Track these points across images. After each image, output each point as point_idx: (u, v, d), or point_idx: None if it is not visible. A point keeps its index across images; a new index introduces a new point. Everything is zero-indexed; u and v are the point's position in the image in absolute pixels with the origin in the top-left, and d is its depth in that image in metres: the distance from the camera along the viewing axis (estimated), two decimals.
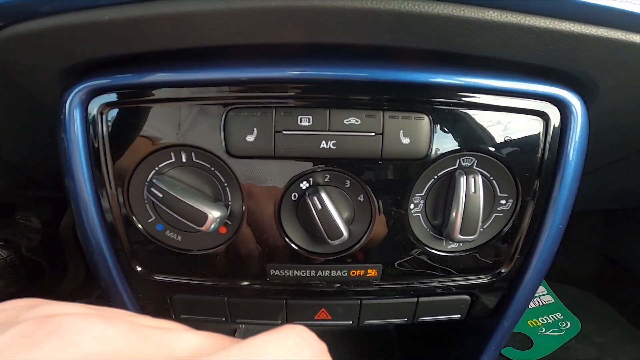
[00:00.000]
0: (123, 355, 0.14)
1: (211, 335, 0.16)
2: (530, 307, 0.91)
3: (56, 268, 0.80)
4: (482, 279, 0.39)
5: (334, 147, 0.31)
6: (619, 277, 0.89)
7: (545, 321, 0.87)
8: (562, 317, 0.88)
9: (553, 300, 0.92)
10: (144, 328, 0.15)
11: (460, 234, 0.33)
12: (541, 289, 0.95)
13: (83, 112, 0.31)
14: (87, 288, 0.82)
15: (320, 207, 0.32)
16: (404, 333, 0.67)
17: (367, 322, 0.41)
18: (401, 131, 0.32)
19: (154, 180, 0.32)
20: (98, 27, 0.26)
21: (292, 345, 0.15)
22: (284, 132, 0.31)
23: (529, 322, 0.87)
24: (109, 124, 0.32)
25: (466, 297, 0.40)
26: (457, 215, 0.33)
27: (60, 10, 0.26)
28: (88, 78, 0.31)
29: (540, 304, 0.91)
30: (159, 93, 0.31)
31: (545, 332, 0.84)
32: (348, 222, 0.35)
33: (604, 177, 0.53)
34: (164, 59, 0.30)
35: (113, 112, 0.32)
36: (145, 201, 0.34)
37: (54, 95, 0.32)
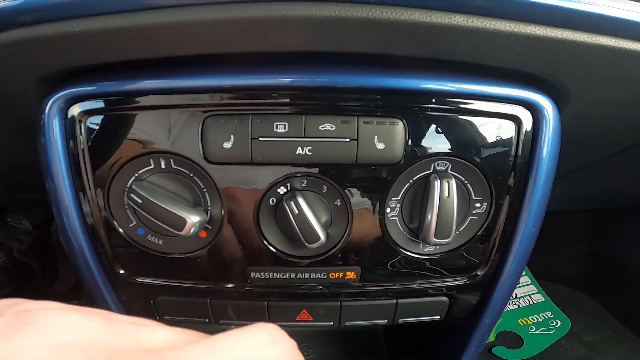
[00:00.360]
0: (95, 346, 0.14)
1: (184, 331, 0.17)
2: (520, 305, 0.92)
3: (47, 270, 0.81)
4: (459, 281, 0.39)
5: (310, 153, 0.32)
6: (608, 275, 0.90)
7: (536, 320, 0.88)
8: (552, 315, 0.89)
9: (543, 299, 0.93)
10: (119, 322, 0.16)
11: (435, 237, 0.34)
12: (531, 288, 0.96)
13: (62, 119, 0.32)
14: (78, 290, 0.83)
15: (297, 211, 0.33)
16: (390, 331, 0.68)
17: (348, 323, 0.42)
18: (376, 136, 0.32)
19: (133, 187, 0.33)
20: (70, 39, 0.27)
21: (261, 342, 0.16)
22: (260, 138, 0.32)
23: (519, 320, 0.88)
24: (88, 131, 0.32)
25: (444, 298, 0.41)
26: (432, 219, 0.34)
27: (34, 22, 0.27)
28: (66, 86, 0.31)
29: (531, 302, 0.92)
30: (136, 101, 0.32)
31: (535, 330, 0.85)
32: (326, 226, 0.35)
33: (588, 177, 0.54)
34: (142, 66, 0.31)
35: (91, 120, 0.32)
36: (126, 206, 0.34)
37: (34, 101, 0.33)
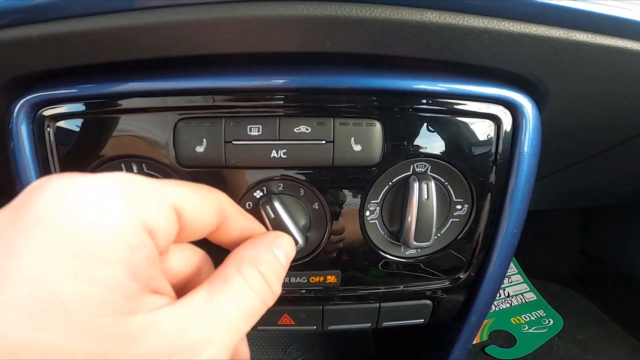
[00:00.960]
0: None
1: None
2: (513, 304, 0.92)
3: None
4: (442, 284, 0.39)
5: (285, 156, 0.31)
6: (599, 273, 0.90)
7: (528, 318, 0.88)
8: (544, 314, 0.88)
9: (535, 298, 0.92)
10: None
11: (415, 240, 0.34)
12: (524, 286, 0.95)
13: (29, 124, 0.31)
14: None
15: (273, 216, 0.32)
16: (379, 332, 0.68)
17: (331, 327, 0.41)
18: (352, 138, 0.32)
19: None
20: (33, 44, 0.26)
21: None
22: (233, 142, 0.31)
23: (512, 319, 0.88)
24: (56, 135, 0.32)
25: (428, 302, 0.40)
26: (411, 222, 0.33)
27: None
28: (34, 89, 0.31)
29: (523, 301, 0.92)
30: (105, 104, 0.31)
31: (528, 329, 0.85)
32: (305, 230, 0.35)
33: (575, 176, 0.54)
34: (111, 69, 0.30)
35: (59, 124, 0.32)
36: None
37: (1, 106, 0.32)
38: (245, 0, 0.25)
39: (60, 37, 0.27)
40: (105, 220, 0.17)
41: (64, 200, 0.17)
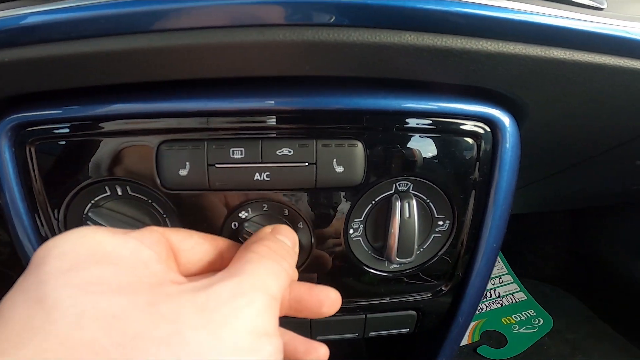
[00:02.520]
0: None
1: None
2: (503, 304, 0.93)
3: None
4: (426, 296, 0.40)
5: (268, 179, 0.32)
6: (587, 273, 0.92)
7: (519, 318, 0.89)
8: (534, 314, 0.90)
9: (525, 298, 0.94)
10: None
11: (398, 257, 0.34)
12: (514, 286, 0.97)
13: (11, 146, 0.31)
14: None
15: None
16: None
17: (319, 337, 0.42)
18: (334, 159, 0.32)
19: (89, 214, 0.32)
20: (11, 66, 0.26)
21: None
22: (217, 165, 0.31)
23: (502, 319, 0.89)
24: (38, 158, 0.32)
25: (412, 312, 0.41)
26: (394, 239, 0.34)
27: None
28: (13, 112, 0.31)
29: (513, 301, 0.93)
30: (88, 127, 0.31)
31: (518, 329, 0.86)
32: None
33: (560, 182, 0.54)
34: (91, 92, 0.30)
35: (41, 146, 0.32)
36: None
37: None
38: (221, 26, 0.25)
39: (38, 61, 0.27)
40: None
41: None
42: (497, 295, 0.95)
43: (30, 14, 0.25)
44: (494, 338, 0.85)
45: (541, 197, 0.65)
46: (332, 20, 0.25)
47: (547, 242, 0.96)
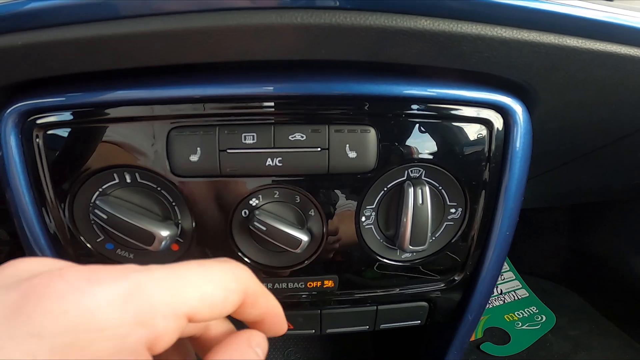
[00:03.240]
0: None
1: None
2: (506, 301, 0.93)
3: None
4: (438, 286, 0.39)
5: (280, 164, 0.31)
6: (588, 269, 0.92)
7: (521, 315, 0.89)
8: (537, 310, 0.90)
9: (527, 294, 0.94)
10: None
11: (411, 244, 0.34)
12: (516, 283, 0.97)
13: (18, 134, 0.31)
14: None
15: (264, 228, 0.32)
16: (376, 331, 0.68)
17: (329, 330, 0.41)
18: (347, 145, 0.32)
19: (97, 202, 0.32)
20: (20, 52, 0.26)
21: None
22: (228, 150, 0.31)
23: (505, 316, 0.89)
24: (46, 145, 0.31)
25: (424, 303, 0.40)
26: (406, 227, 0.33)
27: None
28: (21, 98, 0.30)
29: (516, 298, 0.93)
30: (96, 113, 0.30)
31: (521, 326, 0.86)
32: (303, 225, 0.34)
33: (564, 175, 0.55)
34: (100, 77, 0.30)
35: (49, 133, 0.31)
36: (92, 222, 0.33)
37: None
38: (238, 8, 0.25)
39: (47, 46, 0.26)
40: (107, 341, 0.16)
41: (65, 314, 0.15)
42: (500, 292, 0.95)
43: None
44: (497, 335, 0.84)
45: (543, 192, 0.66)
46: (352, 4, 0.24)
47: (548, 239, 0.96)
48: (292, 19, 0.25)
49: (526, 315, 0.89)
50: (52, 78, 0.30)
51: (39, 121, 0.31)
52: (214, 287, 0.19)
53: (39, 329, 0.15)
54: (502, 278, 0.98)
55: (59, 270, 0.17)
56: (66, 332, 0.15)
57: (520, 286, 0.96)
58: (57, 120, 0.31)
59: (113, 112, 0.31)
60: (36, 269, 0.18)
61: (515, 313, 0.89)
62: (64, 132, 0.31)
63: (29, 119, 0.31)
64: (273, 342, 0.72)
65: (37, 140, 0.31)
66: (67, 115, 0.31)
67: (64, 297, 0.16)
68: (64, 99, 0.30)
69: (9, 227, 0.80)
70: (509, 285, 0.96)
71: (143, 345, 0.16)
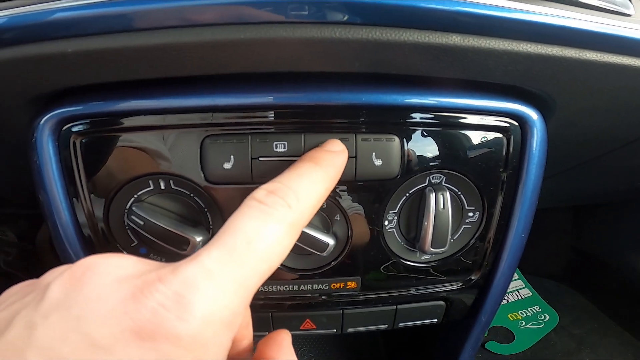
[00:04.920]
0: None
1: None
2: (509, 300, 0.95)
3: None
4: (455, 286, 0.41)
5: None
6: (591, 269, 0.94)
7: (525, 314, 0.91)
8: (540, 310, 0.92)
9: (531, 294, 0.96)
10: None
11: (432, 247, 0.35)
12: (519, 283, 0.99)
13: (55, 141, 0.32)
14: None
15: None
16: (388, 330, 0.70)
17: (350, 329, 0.43)
18: (373, 153, 0.33)
19: (133, 208, 0.33)
20: (64, 59, 0.27)
21: None
22: (260, 158, 0.32)
23: (509, 315, 0.91)
24: (82, 152, 0.32)
25: (441, 302, 0.42)
26: (428, 230, 0.35)
27: (22, 41, 0.26)
28: (58, 105, 0.31)
29: (519, 297, 0.95)
30: (132, 121, 0.32)
31: (525, 325, 0.88)
32: (329, 229, 0.36)
33: (570, 178, 0.56)
34: (137, 86, 0.31)
35: (85, 141, 0.32)
36: (127, 227, 0.35)
37: (22, 121, 0.32)
38: (280, 22, 0.26)
39: (92, 54, 0.27)
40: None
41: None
42: None
43: (96, 4, 0.25)
44: (501, 334, 0.86)
45: (548, 194, 0.67)
46: (386, 21, 0.26)
47: (551, 238, 0.98)
48: (331, 33, 0.26)
49: (530, 314, 0.90)
50: (89, 85, 0.31)
51: (75, 129, 0.32)
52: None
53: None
54: (510, 284, 0.99)
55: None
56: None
57: (524, 286, 0.98)
58: (96, 127, 0.32)
59: (151, 121, 0.32)
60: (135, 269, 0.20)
61: (519, 312, 0.91)
62: (100, 140, 0.32)
63: (66, 127, 0.32)
64: None
65: (75, 147, 0.32)
66: (103, 123, 0.32)
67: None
68: (101, 106, 0.31)
69: (17, 230, 0.81)
70: (513, 285, 0.98)
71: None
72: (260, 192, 0.23)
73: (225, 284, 0.18)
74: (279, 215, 0.22)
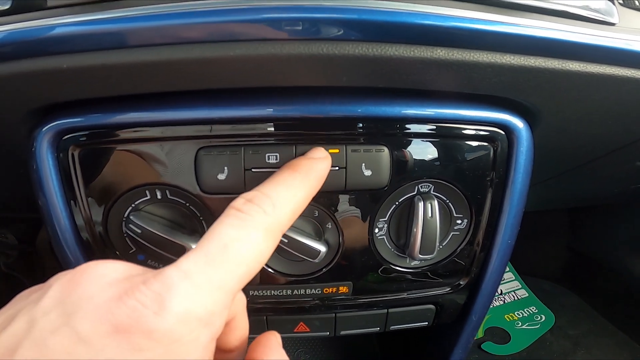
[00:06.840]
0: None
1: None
2: (506, 301, 0.96)
3: (35, 282, 0.81)
4: (444, 290, 0.42)
5: None
6: (586, 270, 0.94)
7: (521, 315, 0.91)
8: (536, 310, 0.92)
9: (527, 295, 0.96)
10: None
11: (420, 253, 0.37)
12: (515, 284, 0.99)
13: (54, 152, 0.33)
14: None
15: (286, 240, 0.35)
16: (382, 333, 0.71)
17: (343, 332, 0.44)
18: (363, 164, 0.34)
19: (131, 217, 0.34)
20: (59, 74, 0.28)
21: None
22: (252, 169, 0.33)
23: (505, 316, 0.91)
24: (81, 163, 0.33)
25: (431, 306, 0.43)
26: (417, 238, 0.36)
27: (19, 56, 0.27)
28: (56, 117, 0.32)
29: (515, 298, 0.96)
30: (128, 133, 0.33)
31: (521, 325, 0.89)
32: (320, 237, 0.37)
33: (563, 183, 0.57)
34: (133, 98, 0.32)
35: (84, 152, 0.33)
36: (125, 235, 0.36)
37: (20, 133, 0.33)
38: (271, 39, 0.27)
39: (87, 70, 0.28)
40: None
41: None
42: (500, 292, 0.97)
43: (90, 22, 0.26)
44: (497, 334, 0.87)
45: (541, 198, 0.68)
46: (373, 37, 0.27)
47: (547, 240, 0.98)
48: (319, 49, 0.27)
49: (526, 315, 0.91)
50: (87, 98, 0.32)
51: (74, 140, 0.33)
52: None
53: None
54: (502, 279, 1.00)
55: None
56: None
57: (520, 287, 0.99)
58: (92, 139, 0.33)
59: (147, 133, 0.33)
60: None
61: (515, 313, 0.92)
62: (98, 151, 0.33)
63: (65, 137, 0.33)
64: (284, 343, 0.74)
65: (73, 158, 0.33)
66: (101, 135, 0.33)
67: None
68: (99, 118, 0.32)
69: (17, 232, 0.82)
70: (509, 286, 0.99)
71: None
72: (239, 200, 0.24)
73: (200, 284, 0.19)
74: (255, 222, 0.23)
